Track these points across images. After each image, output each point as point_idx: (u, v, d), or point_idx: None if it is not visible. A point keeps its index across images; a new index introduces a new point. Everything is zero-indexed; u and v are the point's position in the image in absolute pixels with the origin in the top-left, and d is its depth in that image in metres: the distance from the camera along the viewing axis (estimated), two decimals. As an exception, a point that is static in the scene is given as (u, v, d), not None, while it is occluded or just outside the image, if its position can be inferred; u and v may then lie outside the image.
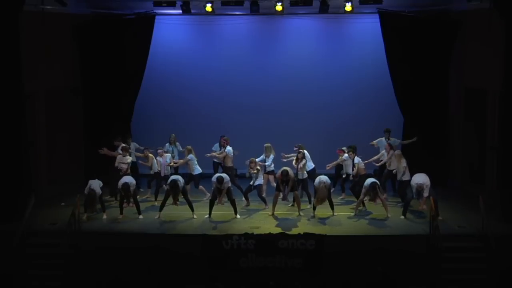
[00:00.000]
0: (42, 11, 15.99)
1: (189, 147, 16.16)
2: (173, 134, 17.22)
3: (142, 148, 16.66)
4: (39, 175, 16.51)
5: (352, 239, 13.69)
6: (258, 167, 15.66)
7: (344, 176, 16.32)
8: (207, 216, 15.05)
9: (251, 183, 15.79)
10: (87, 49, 17.81)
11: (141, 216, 15.09)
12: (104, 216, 15.06)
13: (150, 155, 16.31)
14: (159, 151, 16.31)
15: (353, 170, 15.80)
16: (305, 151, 15.99)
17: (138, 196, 15.50)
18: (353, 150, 15.88)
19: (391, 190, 16.67)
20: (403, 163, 15.54)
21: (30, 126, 15.65)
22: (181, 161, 16.39)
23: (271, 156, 16.11)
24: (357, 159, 15.81)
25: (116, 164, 16.03)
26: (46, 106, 16.85)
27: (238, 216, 15.11)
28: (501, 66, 14.48)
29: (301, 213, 15.28)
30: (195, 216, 15.05)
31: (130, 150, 16.35)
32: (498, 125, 15.17)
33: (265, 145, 16.16)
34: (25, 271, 13.30)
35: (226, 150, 16.41)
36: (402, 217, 14.91)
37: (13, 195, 14.58)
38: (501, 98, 14.73)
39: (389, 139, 16.61)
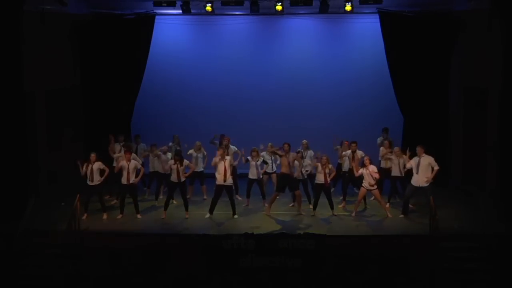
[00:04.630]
0: (42, 11, 16.01)
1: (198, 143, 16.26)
2: (177, 135, 17.17)
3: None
4: (39, 175, 16.51)
5: (352, 239, 13.68)
6: (261, 157, 15.68)
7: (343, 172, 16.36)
8: (207, 215, 15.06)
9: (249, 176, 15.81)
10: (87, 48, 17.82)
11: (139, 216, 15.10)
12: (104, 216, 15.08)
13: (156, 151, 16.32)
14: (160, 150, 16.30)
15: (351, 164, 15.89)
16: (308, 151, 16.00)
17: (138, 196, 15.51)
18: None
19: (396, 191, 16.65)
20: (404, 160, 15.53)
21: (30, 126, 15.65)
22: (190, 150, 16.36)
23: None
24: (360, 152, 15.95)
25: (115, 164, 16.04)
26: (46, 106, 16.85)
27: (236, 216, 15.10)
28: (501, 65, 14.48)
29: (301, 213, 15.28)
30: (187, 216, 15.03)
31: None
32: (498, 125, 15.17)
33: (268, 144, 16.16)
34: (25, 271, 13.28)
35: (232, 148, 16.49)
36: (402, 215, 14.93)
37: (13, 195, 14.58)
38: (501, 98, 14.74)
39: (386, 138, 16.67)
